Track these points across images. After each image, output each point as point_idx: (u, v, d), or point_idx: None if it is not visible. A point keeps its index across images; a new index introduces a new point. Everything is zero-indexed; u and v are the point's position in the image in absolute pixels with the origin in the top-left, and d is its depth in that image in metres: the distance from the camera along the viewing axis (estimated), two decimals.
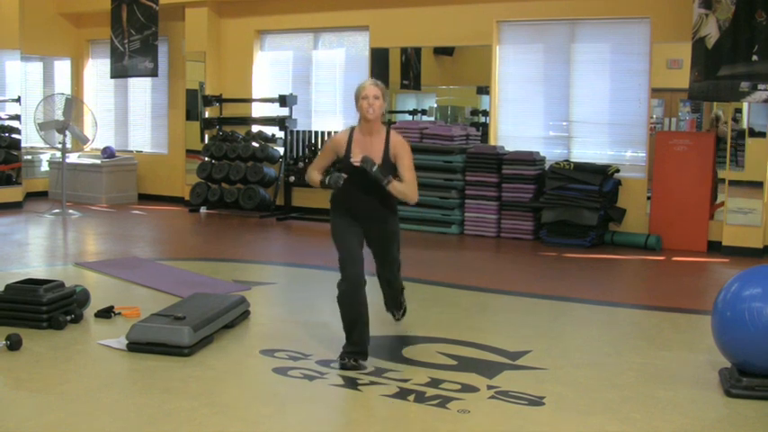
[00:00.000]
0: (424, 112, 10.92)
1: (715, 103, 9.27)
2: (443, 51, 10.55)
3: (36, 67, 12.97)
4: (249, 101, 11.51)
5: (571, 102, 9.55)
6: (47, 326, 5.11)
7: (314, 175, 4.77)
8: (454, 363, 4.67)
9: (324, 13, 10.92)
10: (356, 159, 4.49)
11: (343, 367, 4.49)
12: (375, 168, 4.47)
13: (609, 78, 9.31)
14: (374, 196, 4.62)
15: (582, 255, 8.43)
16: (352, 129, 4.71)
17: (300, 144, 10.88)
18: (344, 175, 4.58)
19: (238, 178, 10.97)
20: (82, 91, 13.12)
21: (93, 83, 13.26)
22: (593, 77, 9.42)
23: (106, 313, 5.50)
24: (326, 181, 4.62)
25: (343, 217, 4.69)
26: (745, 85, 8.05)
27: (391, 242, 4.86)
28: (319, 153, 4.88)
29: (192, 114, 11.88)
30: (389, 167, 4.59)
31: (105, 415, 3.84)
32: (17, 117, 11.74)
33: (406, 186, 4.59)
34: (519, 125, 9.85)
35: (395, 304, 5.31)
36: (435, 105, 10.90)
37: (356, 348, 4.57)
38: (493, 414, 3.91)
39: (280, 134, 11.13)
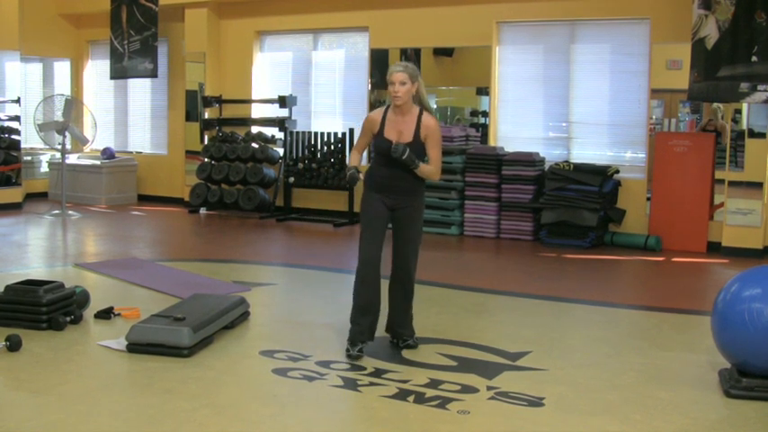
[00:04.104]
0: None
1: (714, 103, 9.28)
2: (443, 52, 10.54)
3: (36, 68, 12.97)
4: (249, 102, 11.50)
5: (571, 102, 9.55)
6: (46, 327, 5.11)
7: (354, 157, 4.98)
8: (454, 363, 4.67)
9: (323, 14, 10.92)
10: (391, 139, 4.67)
11: (349, 357, 4.63)
12: (406, 155, 4.59)
13: (609, 79, 9.32)
14: (405, 173, 4.72)
15: (582, 255, 8.43)
16: (388, 106, 4.79)
17: (300, 145, 10.87)
18: (360, 176, 4.82)
19: (238, 179, 10.96)
20: (81, 92, 13.12)
21: (92, 84, 13.27)
22: (592, 78, 9.42)
23: (106, 314, 5.50)
24: (346, 177, 4.77)
25: (375, 193, 4.77)
26: (744, 86, 8.05)
27: (416, 219, 4.88)
28: (359, 134, 5.02)
29: (191, 115, 11.88)
30: (419, 146, 4.71)
31: (105, 415, 3.83)
32: (17, 118, 11.73)
33: (431, 168, 4.78)
34: (519, 126, 9.85)
35: (405, 321, 4.93)
36: (435, 106, 10.89)
37: (365, 324, 4.71)
38: (493, 415, 3.91)
39: (279, 135, 11.12)
